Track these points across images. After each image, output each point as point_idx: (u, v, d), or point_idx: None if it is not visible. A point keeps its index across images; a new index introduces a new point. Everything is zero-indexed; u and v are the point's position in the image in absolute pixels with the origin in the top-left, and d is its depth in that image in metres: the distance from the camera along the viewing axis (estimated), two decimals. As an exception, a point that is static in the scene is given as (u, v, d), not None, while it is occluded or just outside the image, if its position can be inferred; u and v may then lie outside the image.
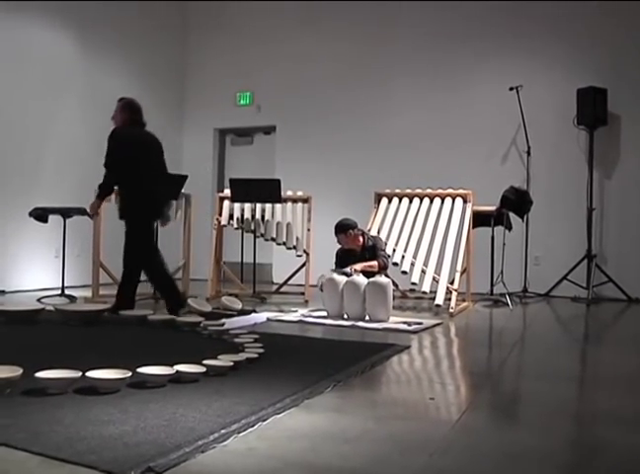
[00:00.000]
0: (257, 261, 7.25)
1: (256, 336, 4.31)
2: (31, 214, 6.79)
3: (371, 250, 6.31)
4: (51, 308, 5.44)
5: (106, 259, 6.81)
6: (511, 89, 7.97)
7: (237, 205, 7.37)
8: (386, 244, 6.74)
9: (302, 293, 7.17)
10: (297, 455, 2.26)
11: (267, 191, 7.07)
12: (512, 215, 7.48)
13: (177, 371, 3.18)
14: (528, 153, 8.06)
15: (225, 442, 2.33)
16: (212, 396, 2.90)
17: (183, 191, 7.10)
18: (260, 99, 9.72)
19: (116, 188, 5.84)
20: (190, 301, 5.79)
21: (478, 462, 2.25)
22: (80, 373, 2.99)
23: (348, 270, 5.89)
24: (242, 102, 9.85)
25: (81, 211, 6.83)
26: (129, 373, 3.03)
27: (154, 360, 3.28)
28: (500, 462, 2.25)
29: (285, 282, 7.63)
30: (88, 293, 6.78)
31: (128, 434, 2.37)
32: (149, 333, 4.79)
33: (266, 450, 2.29)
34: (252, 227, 7.25)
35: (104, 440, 2.29)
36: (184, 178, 7.00)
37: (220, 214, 7.45)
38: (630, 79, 7.75)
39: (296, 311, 6.11)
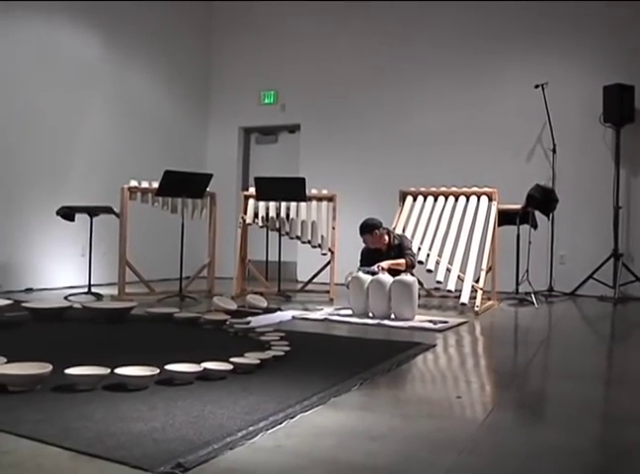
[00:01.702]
0: (282, 259, 7.27)
1: (281, 334, 4.33)
2: (58, 213, 6.86)
3: (397, 248, 6.29)
4: (78, 306, 5.51)
5: (132, 257, 6.87)
6: (536, 87, 7.92)
7: (262, 204, 7.39)
8: (411, 242, 6.72)
9: (327, 292, 7.16)
10: (324, 453, 2.27)
11: (291, 189, 7.09)
12: (537, 214, 7.44)
13: (204, 369, 3.21)
14: (554, 151, 8.00)
15: (253, 439, 2.35)
16: (240, 393, 2.92)
17: (208, 189, 7.13)
18: (284, 98, 9.74)
19: None
20: (215, 299, 5.83)
21: (505, 461, 2.25)
22: (109, 370, 3.02)
23: (375, 268, 5.89)
24: (266, 101, 9.87)
25: (108, 210, 6.89)
26: (157, 370, 3.06)
27: (181, 358, 3.30)
28: (527, 461, 2.25)
29: (310, 281, 7.64)
30: (114, 291, 6.84)
31: (157, 430, 2.39)
32: (175, 331, 4.82)
33: (293, 447, 2.30)
34: (277, 225, 7.27)
35: (133, 437, 2.31)
36: (209, 177, 7.04)
37: (245, 213, 7.47)
38: (658, 76, 7.68)
39: (321, 309, 6.12)
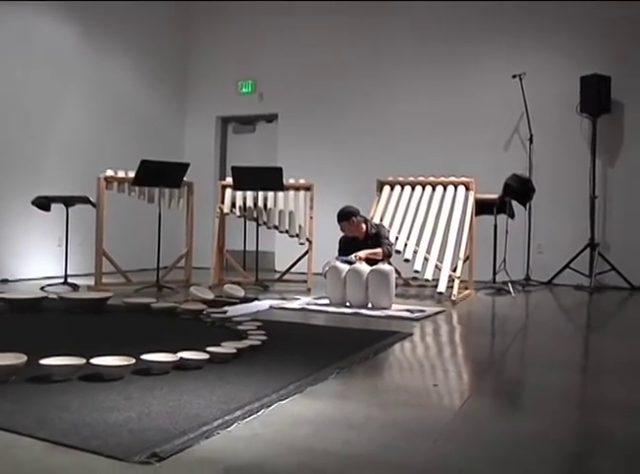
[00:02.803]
0: (259, 249, 7.25)
1: (259, 323, 4.33)
2: (33, 203, 6.79)
3: (375, 238, 6.30)
4: (54, 296, 5.46)
5: (109, 247, 6.82)
6: (514, 77, 7.94)
7: (239, 194, 7.36)
8: (389, 232, 6.73)
9: (305, 281, 7.16)
10: (301, 441, 2.27)
11: (269, 178, 7.07)
12: (514, 203, 7.47)
13: (180, 358, 3.19)
14: (531, 141, 8.04)
15: (229, 429, 2.34)
16: (216, 383, 2.92)
17: (185, 179, 7.10)
18: (262, 87, 9.70)
19: None
20: (192, 289, 5.81)
21: (482, 448, 2.26)
22: (84, 360, 3.00)
23: (352, 258, 5.90)
24: (244, 90, 9.82)
25: (84, 200, 6.83)
26: (133, 360, 3.04)
27: (158, 348, 3.29)
28: (503, 449, 2.26)
29: (288, 270, 7.65)
30: (91, 282, 6.79)
31: (133, 420, 2.37)
32: (152, 321, 4.81)
33: (269, 436, 2.30)
34: (254, 215, 7.25)
35: (109, 427, 2.30)
36: (186, 166, 7.00)
37: (223, 202, 7.43)
38: (634, 66, 7.73)
39: (299, 299, 6.12)
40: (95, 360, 3.00)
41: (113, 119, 8.72)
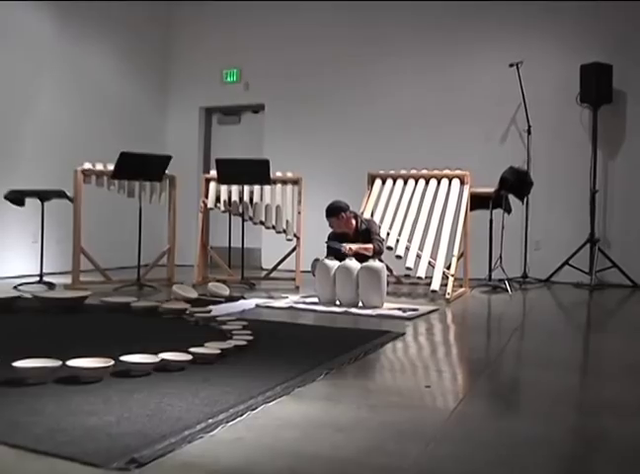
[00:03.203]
0: (245, 245, 7.24)
1: (244, 323, 4.34)
2: (6, 197, 6.76)
3: (365, 233, 6.31)
4: (29, 296, 5.44)
5: (87, 244, 6.80)
6: (511, 65, 7.94)
7: (224, 187, 7.35)
8: (380, 227, 6.74)
9: (293, 279, 7.17)
10: (287, 445, 2.27)
11: (255, 172, 7.05)
12: (511, 197, 7.50)
13: (162, 359, 3.19)
14: (529, 132, 8.06)
15: (213, 432, 2.34)
16: (199, 385, 2.91)
17: (167, 172, 7.08)
18: (247, 76, 9.68)
19: None
20: (175, 288, 5.81)
21: (476, 451, 2.27)
22: (60, 362, 2.99)
23: (343, 245, 5.94)
24: (229, 79, 9.81)
25: (60, 194, 6.81)
26: (112, 362, 3.03)
27: (138, 348, 3.29)
28: (498, 451, 2.27)
29: (275, 268, 7.64)
30: (68, 280, 6.77)
31: (112, 424, 2.37)
32: (133, 320, 4.80)
33: (255, 440, 2.30)
34: (240, 210, 7.24)
35: (86, 431, 2.29)
36: (168, 158, 6.98)
37: (206, 197, 7.43)
38: (637, 54, 7.72)
39: (287, 297, 6.12)
40: (72, 362, 2.99)
41: (91, 110, 8.69)
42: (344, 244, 6.02)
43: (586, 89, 7.74)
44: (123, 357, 3.13)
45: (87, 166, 6.85)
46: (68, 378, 2.93)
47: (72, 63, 8.42)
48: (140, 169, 6.73)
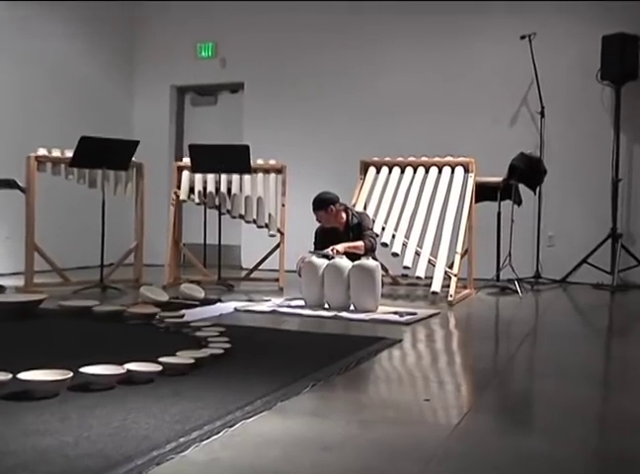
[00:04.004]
0: (222, 242, 7.23)
1: (221, 329, 4.33)
2: (-52, 188, 6.73)
3: (356, 228, 6.31)
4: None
5: (42, 241, 6.76)
6: (522, 38, 7.94)
7: (199, 177, 7.34)
8: (374, 221, 6.75)
9: (276, 280, 7.17)
10: (268, 465, 2.27)
11: (233, 159, 7.04)
12: (521, 187, 7.51)
13: (128, 371, 3.18)
14: (542, 114, 8.06)
15: (184, 453, 2.33)
16: (170, 399, 2.91)
17: (133, 159, 7.06)
18: (224, 51, 9.66)
19: None
20: (143, 290, 5.79)
21: (481, 471, 2.27)
22: (11, 375, 2.97)
23: (328, 251, 5.91)
24: (203, 54, 9.78)
25: (10, 184, 6.77)
26: (71, 374, 3.01)
27: (101, 359, 3.27)
28: (505, 472, 2.27)
29: (256, 267, 7.64)
30: (20, 282, 6.74)
31: (69, 445, 2.36)
32: (95, 327, 4.78)
33: (232, 461, 2.30)
34: (216, 202, 7.22)
35: (39, 454, 2.27)
36: (134, 144, 6.96)
37: (179, 187, 7.41)
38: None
39: (269, 300, 6.12)
40: (24, 375, 2.97)
41: (46, 90, 8.65)
42: (330, 248, 5.99)
43: (608, 64, 7.72)
44: (83, 369, 3.11)
45: (42, 152, 6.81)
46: (19, 393, 2.91)
47: (25, 40, 8.36)
48: (103, 156, 6.69)
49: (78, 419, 2.63)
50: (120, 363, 3.22)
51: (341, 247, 6.04)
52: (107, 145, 6.75)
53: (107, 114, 9.41)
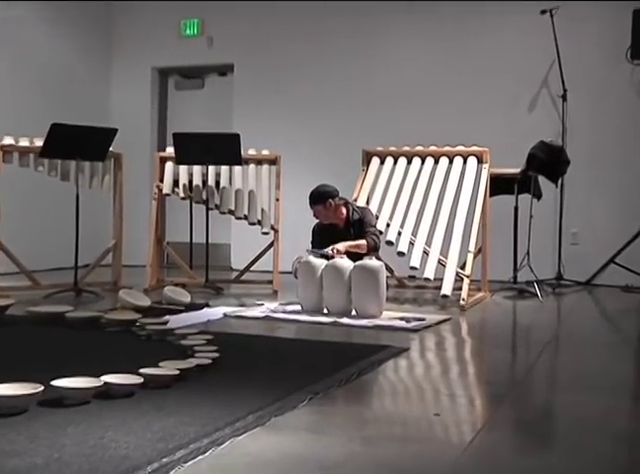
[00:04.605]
0: (210, 241, 7.23)
1: (209, 337, 4.34)
2: None
3: (358, 225, 6.30)
4: None
5: (8, 240, 6.75)
6: (543, 12, 7.94)
7: (184, 168, 7.34)
8: (378, 217, 6.74)
9: (270, 282, 7.18)
10: (261, 488, 2.27)
11: (222, 149, 7.04)
12: (542, 179, 7.51)
13: (105, 383, 3.17)
14: (564, 98, 8.06)
15: (168, 474, 2.34)
16: (152, 414, 2.90)
17: (111, 149, 7.05)
18: (211, 28, 9.66)
19: None
20: (122, 294, 5.78)
21: (496, 494, 2.27)
22: (-26, 389, 2.98)
23: (327, 251, 5.90)
24: (188, 32, 9.78)
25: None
26: (41, 388, 3.01)
27: (75, 370, 3.27)
28: (525, 494, 2.28)
29: (248, 268, 7.65)
30: (-15, 285, 6.75)
31: (38, 467, 2.34)
32: (68, 335, 4.78)
33: (220, 483, 2.30)
34: (203, 197, 7.23)
35: (5, 477, 2.28)
36: (112, 132, 6.95)
37: (162, 180, 7.41)
38: None
39: (262, 305, 6.13)
40: (-12, 389, 2.98)
41: (14, 73, 8.64)
42: (329, 248, 5.99)
43: (639, 42, 7.72)
44: (55, 382, 3.10)
45: (8, 141, 6.79)
46: (-16, 409, 2.91)
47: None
48: (77, 145, 6.68)
49: (49, 438, 2.62)
50: (97, 376, 3.21)
51: (341, 246, 6.04)
52: (81, 133, 6.73)
53: (81, 99, 9.40)
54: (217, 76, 9.97)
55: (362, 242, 6.16)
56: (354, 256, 5.86)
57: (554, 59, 8.05)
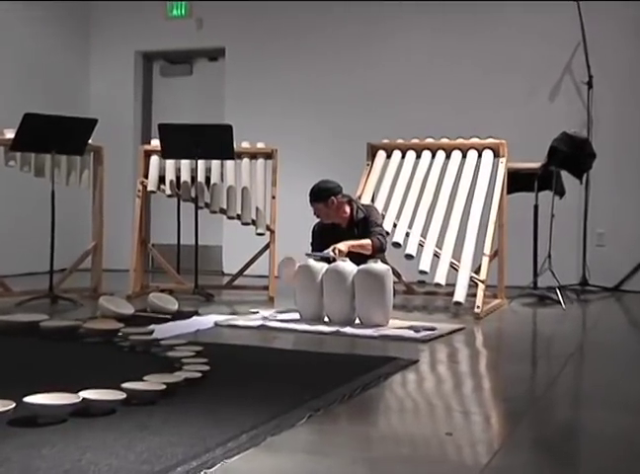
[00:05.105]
0: (200, 242, 7.23)
1: (198, 348, 4.33)
2: None
3: (363, 224, 6.31)
4: None
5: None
6: (567, -9, 7.96)
7: (170, 163, 7.34)
8: (384, 216, 6.74)
9: (265, 288, 7.18)
10: (256, 515, 2.27)
11: (213, 141, 7.04)
12: (564, 174, 7.51)
13: (83, 400, 3.17)
14: (590, 85, 8.07)
15: (153, 500, 2.34)
16: (135, 434, 2.90)
17: (90, 142, 7.04)
18: (201, 9, 9.66)
19: None
20: (103, 301, 5.78)
21: (515, 522, 2.27)
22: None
23: (329, 252, 5.89)
24: (175, 13, 9.79)
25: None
26: (13, 405, 3.00)
27: (50, 386, 3.26)
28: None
29: (241, 273, 7.65)
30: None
31: (10, 493, 2.36)
32: (43, 346, 4.77)
33: (211, 509, 2.30)
34: (192, 194, 7.23)
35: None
36: (91, 123, 6.95)
37: (146, 176, 7.41)
38: None
39: (257, 313, 6.13)
40: (-48, 406, 2.98)
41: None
42: (331, 248, 5.98)
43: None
44: (28, 399, 3.09)
45: (-24, 133, 6.83)
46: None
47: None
48: (53, 137, 6.67)
49: (21, 461, 2.60)
50: (75, 391, 3.20)
51: (344, 245, 6.02)
52: (57, 124, 6.73)
53: (57, 86, 9.41)
54: (207, 61, 9.98)
55: (367, 242, 6.16)
56: (357, 259, 5.85)
57: (579, 42, 8.06)
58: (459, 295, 6.31)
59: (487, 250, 6.74)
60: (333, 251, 5.93)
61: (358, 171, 7.38)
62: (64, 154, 6.98)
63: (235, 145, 7.15)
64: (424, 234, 6.76)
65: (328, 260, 5.83)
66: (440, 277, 6.44)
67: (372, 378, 3.90)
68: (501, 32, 8.44)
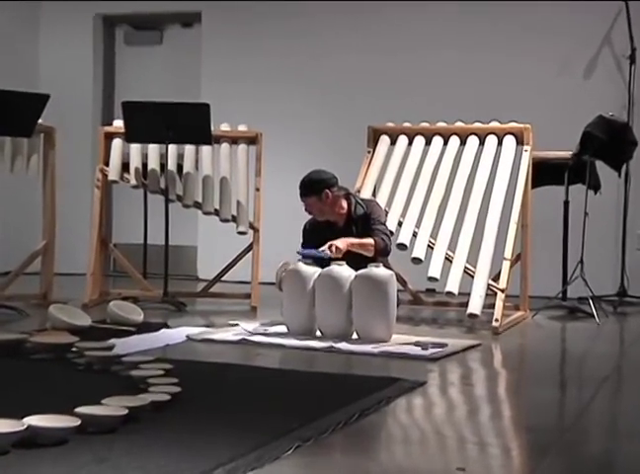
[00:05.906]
0: (171, 242, 7.24)
1: (168, 366, 4.34)
2: None
3: (363, 222, 6.29)
4: None
5: None
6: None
7: (136, 148, 7.35)
8: (387, 213, 6.75)
9: (247, 296, 7.20)
10: None
11: (187, 123, 7.05)
12: (600, 166, 7.52)
13: (29, 427, 3.17)
14: (632, 60, 8.07)
15: None
16: (91, 467, 2.89)
17: (40, 121, 7.04)
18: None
19: None
20: (53, 310, 5.78)
21: None
22: None
23: (324, 251, 5.89)
24: (141, -29, 9.81)
25: None
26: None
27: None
28: None
29: (219, 278, 7.66)
30: None
31: None
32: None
33: None
34: (162, 185, 7.24)
35: None
36: (42, 100, 6.94)
37: (107, 163, 7.41)
38: None
39: (237, 325, 6.12)
40: None
41: None
42: (327, 245, 5.99)
43: None
44: (-36, 425, 3.11)
45: None
46: None
47: None
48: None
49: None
50: (18, 417, 3.19)
51: (342, 242, 5.99)
52: (1, 100, 6.74)
53: (1, 57, 9.39)
54: (180, 28, 9.98)
55: (370, 241, 6.13)
56: (356, 262, 5.85)
57: (620, 9, 8.06)
58: (475, 306, 6.32)
59: (508, 254, 6.76)
60: (329, 248, 5.92)
61: (356, 159, 7.39)
62: (9, 136, 6.97)
63: (213, 128, 7.17)
64: (434, 234, 6.78)
65: (322, 260, 5.83)
66: (453, 285, 6.45)
67: (372, 403, 3.90)
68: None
